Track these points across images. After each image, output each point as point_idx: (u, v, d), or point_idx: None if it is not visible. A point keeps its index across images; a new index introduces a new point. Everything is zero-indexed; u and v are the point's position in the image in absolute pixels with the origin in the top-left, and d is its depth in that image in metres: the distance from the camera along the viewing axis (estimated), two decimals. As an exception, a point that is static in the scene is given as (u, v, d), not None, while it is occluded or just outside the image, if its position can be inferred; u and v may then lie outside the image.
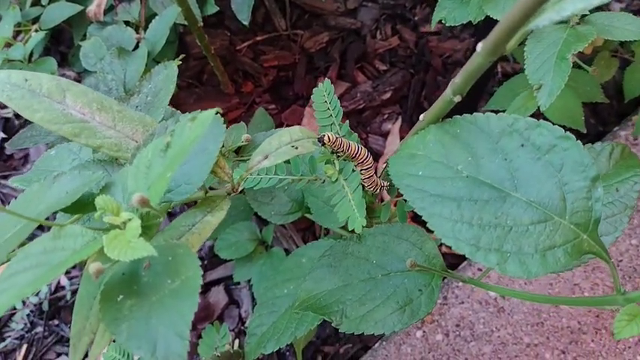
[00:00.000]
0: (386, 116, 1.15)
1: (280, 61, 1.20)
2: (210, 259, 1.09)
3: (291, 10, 1.23)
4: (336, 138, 0.52)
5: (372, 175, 0.55)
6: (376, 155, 1.12)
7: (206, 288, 1.07)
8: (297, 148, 0.50)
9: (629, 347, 0.84)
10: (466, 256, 0.40)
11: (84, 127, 0.46)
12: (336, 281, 0.58)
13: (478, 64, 0.37)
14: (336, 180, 0.51)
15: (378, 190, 0.56)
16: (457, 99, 0.42)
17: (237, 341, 0.99)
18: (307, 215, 0.87)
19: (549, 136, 0.42)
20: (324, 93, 0.59)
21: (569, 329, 0.85)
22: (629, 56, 0.95)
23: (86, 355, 0.39)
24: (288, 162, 0.59)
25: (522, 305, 0.87)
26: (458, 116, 0.45)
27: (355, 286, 0.58)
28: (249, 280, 1.05)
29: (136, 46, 0.86)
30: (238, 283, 1.07)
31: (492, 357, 0.85)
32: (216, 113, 0.39)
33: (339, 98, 1.16)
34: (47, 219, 0.40)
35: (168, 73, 0.65)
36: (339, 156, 0.53)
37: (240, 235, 0.94)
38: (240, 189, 0.53)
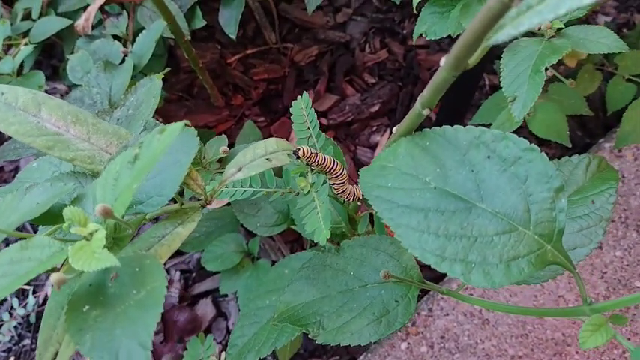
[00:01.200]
0: (374, 128, 1.16)
1: (270, 74, 1.21)
2: (198, 271, 1.09)
3: (280, 23, 1.24)
4: (311, 152, 0.52)
5: (345, 188, 0.55)
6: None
7: (194, 300, 1.07)
8: (270, 161, 0.51)
9: (613, 359, 0.84)
10: (431, 266, 0.41)
11: (58, 139, 0.47)
12: (314, 293, 0.59)
13: (443, 78, 0.38)
14: (308, 192, 0.52)
15: (355, 201, 0.57)
16: (426, 112, 0.43)
17: (223, 354, 0.99)
18: (293, 227, 0.88)
19: (515, 148, 0.43)
20: (302, 106, 0.60)
21: (553, 341, 0.86)
22: (612, 69, 0.95)
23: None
24: (263, 174, 0.60)
25: (507, 317, 0.88)
26: (428, 129, 0.46)
27: (333, 298, 0.58)
28: (236, 292, 1.05)
29: (123, 60, 0.87)
30: (226, 296, 1.07)
31: (477, 369, 0.85)
32: (187, 125, 0.40)
33: (327, 111, 1.18)
34: (19, 229, 0.41)
35: (150, 86, 0.66)
36: (312, 169, 0.54)
37: (226, 247, 0.94)
38: (215, 202, 0.54)
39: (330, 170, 0.54)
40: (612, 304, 0.42)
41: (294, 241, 1.09)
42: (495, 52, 1.10)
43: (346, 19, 1.28)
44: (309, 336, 0.57)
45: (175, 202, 0.49)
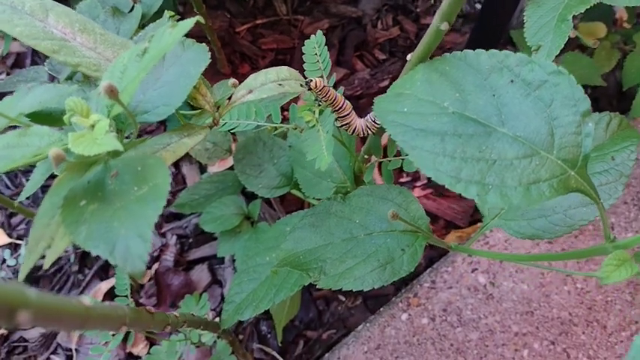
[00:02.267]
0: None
1: (279, 45, 1.20)
2: (195, 237, 1.07)
3: (292, -5, 1.23)
4: (324, 85, 0.51)
5: (350, 121, 0.54)
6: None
7: (189, 266, 1.05)
8: (283, 86, 0.49)
9: (621, 341, 0.82)
10: (446, 186, 0.39)
11: (64, 45, 0.45)
12: (318, 240, 0.57)
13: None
14: (314, 126, 0.50)
15: (359, 134, 0.55)
16: (444, 27, 0.41)
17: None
18: (295, 192, 0.86)
19: (540, 72, 0.41)
20: (315, 45, 0.58)
21: (559, 320, 0.83)
22: (631, 47, 0.93)
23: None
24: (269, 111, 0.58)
25: (512, 293, 0.85)
26: (447, 54, 0.44)
27: (336, 245, 0.56)
28: (233, 261, 1.03)
29: (131, 10, 0.85)
30: (222, 263, 1.05)
31: (479, 344, 0.83)
32: (197, 22, 0.38)
33: (336, 84, 1.16)
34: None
35: (159, 22, 0.64)
36: (320, 104, 0.53)
37: (225, 209, 0.92)
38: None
39: (339, 107, 0.53)
40: (636, 239, 0.40)
41: (295, 211, 1.06)
42: (506, 35, 1.09)
43: (359, -6, 1.26)
44: (311, 281, 0.55)
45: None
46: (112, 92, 0.33)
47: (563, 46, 0.56)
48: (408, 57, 0.46)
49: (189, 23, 0.37)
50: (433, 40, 0.42)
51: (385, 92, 1.17)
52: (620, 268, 0.40)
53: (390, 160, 0.63)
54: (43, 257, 0.37)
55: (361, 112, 1.14)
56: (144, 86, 0.44)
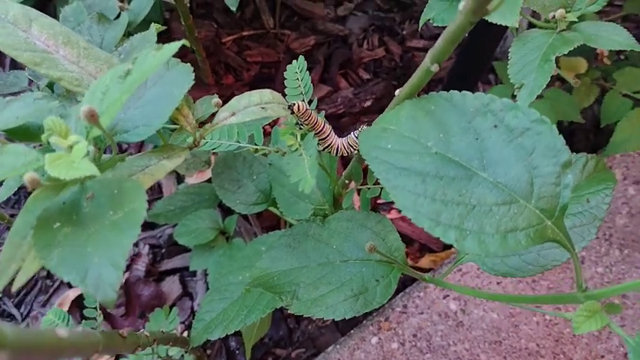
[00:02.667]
0: (365, 124, 1.14)
1: (264, 58, 1.19)
2: (168, 247, 1.06)
3: (281, 9, 1.23)
4: (306, 109, 0.51)
5: (331, 143, 0.54)
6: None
7: (160, 277, 1.04)
8: (266, 110, 0.49)
9: (583, 376, 0.83)
10: (425, 229, 0.39)
11: (46, 57, 0.44)
12: (293, 262, 0.57)
13: (459, 24, 0.36)
14: (296, 150, 0.50)
15: (340, 154, 0.56)
16: (434, 68, 0.41)
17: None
18: (272, 209, 0.86)
19: (524, 119, 0.41)
20: (297, 69, 0.58)
21: (527, 351, 0.84)
22: (610, 85, 0.95)
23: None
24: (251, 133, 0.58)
25: (482, 322, 0.86)
26: (434, 93, 0.44)
27: (311, 269, 0.56)
28: (205, 274, 1.02)
29: (118, 16, 0.84)
30: (194, 275, 1.03)
31: (445, 372, 0.83)
32: (183, 46, 0.37)
33: (319, 101, 1.16)
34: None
35: (146, 33, 0.64)
36: (301, 128, 0.53)
37: (201, 223, 0.91)
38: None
39: (320, 130, 0.53)
40: (607, 291, 0.41)
41: (271, 227, 1.06)
42: (490, 63, 1.10)
43: (347, 13, 1.26)
44: (283, 304, 0.54)
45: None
46: (92, 117, 0.32)
47: (544, 86, 0.57)
48: (397, 92, 0.46)
49: (173, 47, 0.37)
50: (422, 79, 0.42)
51: (367, 112, 1.18)
52: (590, 319, 0.40)
53: (369, 188, 0.63)
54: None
55: (342, 130, 1.14)
56: (125, 104, 0.43)
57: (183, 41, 0.38)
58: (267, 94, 0.51)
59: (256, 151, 0.56)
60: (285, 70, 0.57)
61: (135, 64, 0.37)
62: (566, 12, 0.58)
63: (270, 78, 1.18)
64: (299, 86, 0.58)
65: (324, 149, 0.56)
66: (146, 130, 0.41)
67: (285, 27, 1.25)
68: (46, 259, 0.33)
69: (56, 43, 0.45)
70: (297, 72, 0.58)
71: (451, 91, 0.44)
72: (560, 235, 0.39)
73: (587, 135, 1.09)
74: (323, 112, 0.57)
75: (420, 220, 0.39)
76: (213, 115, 0.65)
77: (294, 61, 0.58)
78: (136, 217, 0.34)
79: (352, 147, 0.57)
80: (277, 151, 0.56)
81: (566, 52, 0.56)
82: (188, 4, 0.90)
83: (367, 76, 1.20)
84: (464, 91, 0.43)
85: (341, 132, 1.14)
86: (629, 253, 0.91)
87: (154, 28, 0.64)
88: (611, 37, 0.58)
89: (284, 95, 0.55)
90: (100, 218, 0.35)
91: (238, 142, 0.56)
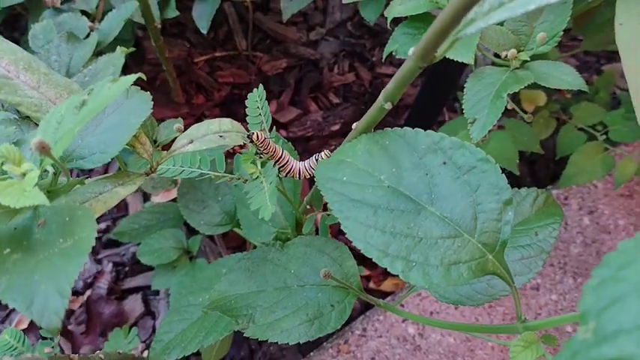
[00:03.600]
0: (332, 147, 1.16)
1: (236, 79, 1.20)
2: (131, 265, 1.05)
3: (253, 32, 1.24)
4: (264, 138, 0.52)
5: (290, 168, 0.56)
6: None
7: (123, 295, 1.03)
8: (224, 138, 0.50)
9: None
10: (374, 260, 0.40)
11: (6, 82, 0.44)
12: (251, 286, 0.58)
13: (409, 68, 0.38)
14: (257, 178, 0.51)
15: (300, 177, 0.57)
16: (388, 106, 0.42)
17: (146, 352, 0.95)
18: (237, 230, 0.86)
19: (471, 157, 0.43)
20: (257, 98, 0.59)
21: (481, 376, 0.85)
22: (567, 119, 0.99)
23: None
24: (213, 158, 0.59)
25: (439, 346, 0.87)
26: (389, 128, 0.46)
27: (269, 293, 0.57)
28: (168, 293, 1.02)
29: (87, 36, 0.85)
30: (157, 294, 1.03)
31: (402, 396, 0.84)
32: (139, 78, 0.38)
33: (288, 123, 1.18)
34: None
35: (112, 56, 0.64)
36: (261, 156, 0.54)
37: (165, 242, 0.91)
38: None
39: (278, 158, 0.54)
40: (544, 323, 0.42)
41: (237, 247, 1.06)
42: (455, 92, 1.13)
43: (319, 38, 1.28)
44: (239, 328, 0.55)
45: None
46: (43, 149, 0.33)
47: (495, 122, 0.59)
48: (354, 125, 0.48)
49: (129, 80, 0.38)
50: (377, 115, 0.44)
51: (336, 136, 1.19)
52: (526, 350, 0.41)
53: (329, 215, 0.64)
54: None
55: (311, 153, 1.15)
56: (83, 131, 0.44)
57: (140, 74, 0.39)
58: (226, 122, 0.52)
59: (218, 178, 0.57)
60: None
61: (91, 95, 0.37)
62: (519, 51, 0.60)
63: (241, 99, 1.19)
64: (259, 114, 0.59)
65: (286, 175, 0.57)
66: (102, 158, 0.42)
67: (258, 49, 1.26)
68: (-6, 285, 0.33)
69: (17, 68, 0.45)
70: (257, 100, 0.59)
71: (405, 127, 0.45)
72: (500, 268, 0.41)
73: (547, 164, 1.12)
74: (281, 141, 0.58)
75: (370, 251, 0.41)
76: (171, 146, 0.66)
77: (255, 90, 0.59)
78: (85, 245, 0.35)
79: (313, 168, 0.58)
80: (239, 179, 0.57)
81: (517, 90, 0.58)
82: (159, 26, 0.91)
83: (337, 100, 1.22)
84: (416, 129, 0.45)
85: (309, 155, 1.15)
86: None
87: (120, 50, 0.65)
88: (561, 76, 0.61)
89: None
90: (50, 245, 0.36)
91: (200, 168, 0.56)
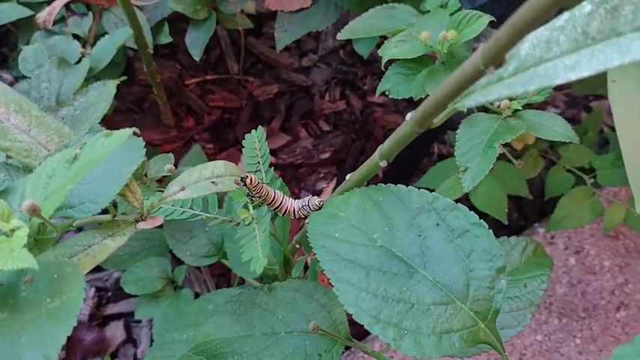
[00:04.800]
0: (322, 175, 1.16)
1: (226, 103, 1.20)
2: (114, 291, 1.04)
3: (245, 56, 1.24)
4: (258, 182, 0.51)
5: (284, 210, 0.54)
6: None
7: (105, 321, 1.01)
8: (216, 184, 0.49)
9: None
10: (365, 327, 0.40)
11: (-5, 126, 0.44)
12: (238, 330, 0.57)
13: (406, 132, 0.38)
14: (249, 223, 0.51)
15: (292, 216, 0.55)
16: (383, 164, 0.42)
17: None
18: (224, 261, 0.85)
19: (464, 220, 0.43)
20: (256, 139, 0.59)
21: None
22: (555, 158, 1.00)
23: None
24: (206, 198, 0.58)
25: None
26: (383, 184, 0.46)
27: (256, 339, 0.56)
28: (151, 320, 1.00)
29: (79, 61, 0.84)
30: (140, 322, 1.01)
31: None
32: (134, 134, 0.38)
33: (278, 150, 1.17)
34: None
35: (103, 91, 0.64)
36: (253, 200, 0.53)
37: (149, 271, 0.90)
38: (152, 219, 0.51)
39: (272, 201, 0.54)
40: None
41: (222, 275, 1.05)
42: (447, 124, 1.13)
43: (311, 64, 1.29)
44: (223, 377, 0.54)
45: (107, 212, 0.46)
46: (34, 212, 0.32)
47: (487, 171, 0.59)
48: (348, 177, 0.48)
49: (123, 135, 0.37)
50: (371, 171, 0.44)
51: (325, 164, 1.18)
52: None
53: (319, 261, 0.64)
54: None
55: (299, 181, 1.15)
56: (73, 180, 0.43)
57: (134, 129, 0.38)
58: (219, 166, 0.52)
59: (210, 219, 0.56)
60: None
61: (83, 149, 0.37)
62: (511, 100, 0.61)
63: (231, 124, 1.18)
64: (256, 155, 0.58)
65: (282, 214, 0.56)
66: (92, 208, 0.41)
67: (249, 73, 1.26)
68: (-22, 348, 0.32)
69: (7, 110, 0.45)
70: (255, 141, 0.58)
71: (398, 185, 0.45)
72: (492, 337, 0.40)
73: (534, 200, 1.13)
74: (279, 182, 0.57)
75: (361, 316, 0.40)
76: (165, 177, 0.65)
77: (254, 130, 0.58)
78: (73, 307, 0.34)
79: (308, 208, 0.58)
80: (231, 221, 0.56)
81: (509, 140, 0.58)
82: (152, 52, 0.91)
83: (327, 128, 1.22)
84: (410, 187, 0.45)
85: (298, 182, 1.16)
86: (567, 322, 0.94)
87: (113, 85, 0.64)
88: (552, 127, 0.61)
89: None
90: (37, 305, 0.35)
91: (192, 208, 0.56)
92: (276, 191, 0.55)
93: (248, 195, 0.54)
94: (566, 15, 0.27)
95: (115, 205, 0.49)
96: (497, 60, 0.27)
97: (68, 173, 0.36)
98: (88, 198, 0.42)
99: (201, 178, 0.49)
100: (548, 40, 0.27)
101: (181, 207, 0.56)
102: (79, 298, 0.34)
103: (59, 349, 0.33)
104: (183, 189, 0.48)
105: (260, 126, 0.59)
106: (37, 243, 0.41)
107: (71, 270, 0.36)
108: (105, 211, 0.45)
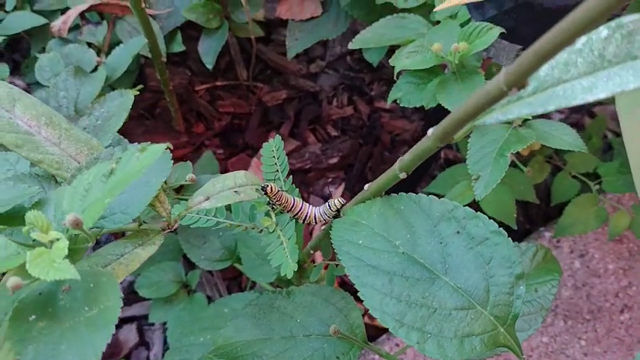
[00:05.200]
0: (330, 180, 1.17)
1: (236, 109, 1.21)
2: (127, 294, 1.05)
3: (255, 62, 1.25)
4: (278, 190, 0.53)
5: (306, 215, 0.56)
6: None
7: (118, 324, 1.02)
8: (239, 194, 0.51)
9: None
10: (389, 330, 0.41)
11: (28, 139, 0.45)
12: (257, 333, 0.58)
13: (427, 147, 0.39)
14: (273, 231, 0.52)
15: (313, 222, 0.57)
16: (402, 175, 0.44)
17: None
18: (237, 265, 0.87)
19: (484, 228, 0.44)
20: (274, 148, 0.60)
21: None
22: (561, 164, 1.01)
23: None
24: (229, 206, 0.59)
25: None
26: (404, 193, 0.47)
27: (275, 342, 0.57)
28: (164, 323, 1.01)
29: (95, 69, 0.85)
30: (152, 325, 1.03)
31: None
32: (167, 149, 0.39)
33: (287, 155, 1.18)
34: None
35: (123, 101, 0.65)
36: (274, 208, 0.54)
37: (164, 275, 0.91)
38: (175, 227, 0.53)
39: (292, 208, 0.55)
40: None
41: (233, 278, 1.07)
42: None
43: (319, 70, 1.30)
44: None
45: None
46: (77, 225, 0.34)
47: (499, 180, 0.60)
48: (366, 187, 0.49)
49: (158, 149, 0.39)
50: (390, 181, 0.45)
51: (333, 169, 1.19)
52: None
53: (337, 265, 0.65)
54: None
55: (308, 185, 1.17)
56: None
57: (168, 144, 0.39)
58: (241, 176, 0.53)
59: (233, 227, 0.58)
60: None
61: (118, 164, 0.38)
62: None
63: (241, 129, 1.20)
64: (275, 164, 0.59)
65: (303, 222, 0.58)
66: (124, 218, 0.43)
67: (258, 80, 1.27)
68: (21, 355, 0.34)
69: (39, 123, 0.46)
70: (273, 150, 0.59)
71: (420, 194, 0.47)
72: (511, 341, 0.42)
73: (540, 205, 1.14)
74: (297, 191, 0.59)
75: (386, 320, 0.42)
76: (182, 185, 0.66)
77: (271, 139, 0.59)
78: (111, 315, 0.36)
79: (327, 215, 0.59)
80: (253, 228, 0.58)
81: (520, 149, 0.60)
82: (165, 60, 0.92)
83: (335, 133, 1.23)
84: (431, 196, 0.46)
85: (307, 186, 1.17)
86: (573, 324, 0.95)
87: (131, 95, 0.65)
88: (562, 136, 0.63)
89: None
90: (76, 313, 0.36)
91: (216, 216, 0.57)
92: (296, 198, 0.56)
93: (269, 203, 0.55)
94: (583, 39, 0.28)
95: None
96: (519, 83, 0.28)
97: (105, 187, 0.38)
98: (119, 209, 0.43)
99: (225, 187, 0.51)
100: (566, 62, 0.29)
101: (205, 215, 0.57)
102: (116, 306, 0.36)
103: (99, 357, 0.34)
104: (207, 198, 0.50)
105: (278, 135, 0.61)
106: (70, 252, 0.42)
107: (107, 279, 0.38)
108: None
